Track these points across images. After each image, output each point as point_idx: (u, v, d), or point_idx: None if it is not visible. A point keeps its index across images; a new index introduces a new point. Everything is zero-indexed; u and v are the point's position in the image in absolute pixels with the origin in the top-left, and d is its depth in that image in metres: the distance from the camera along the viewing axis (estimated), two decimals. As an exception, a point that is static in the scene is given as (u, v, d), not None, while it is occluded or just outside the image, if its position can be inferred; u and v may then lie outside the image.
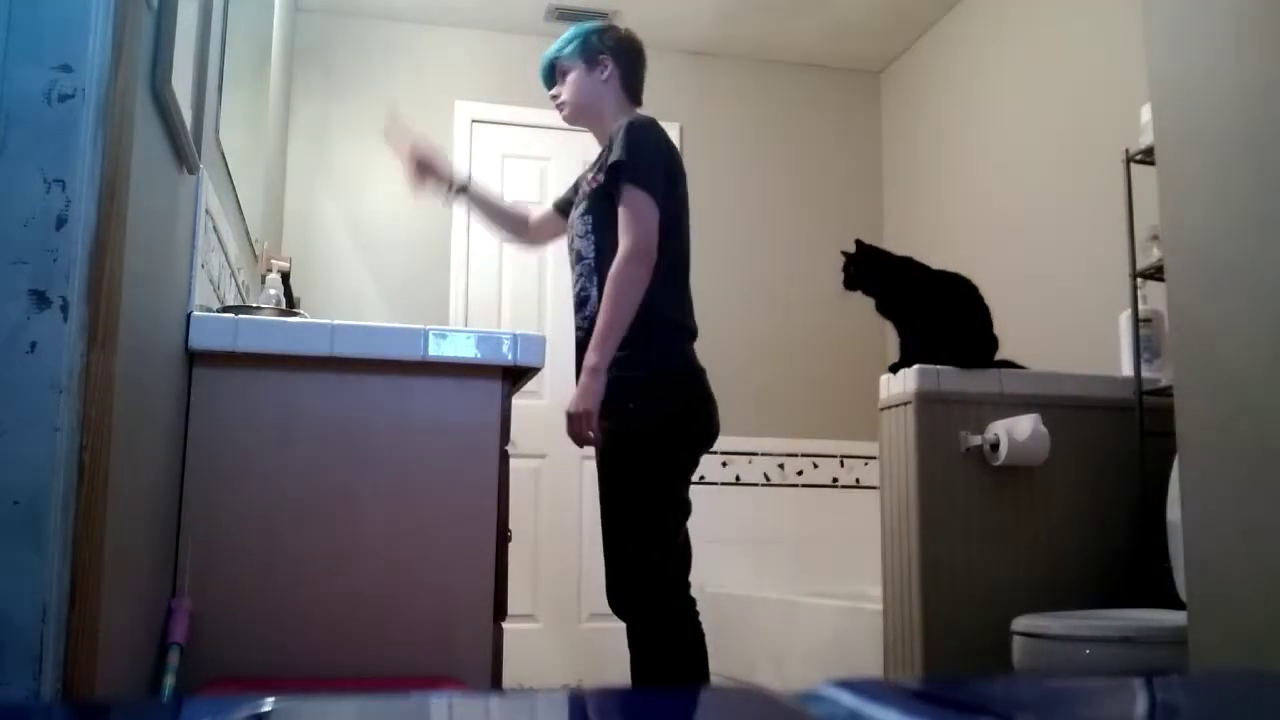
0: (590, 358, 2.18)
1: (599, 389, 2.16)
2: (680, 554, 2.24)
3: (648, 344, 2.23)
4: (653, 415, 2.21)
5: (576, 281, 2.37)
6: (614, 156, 2.27)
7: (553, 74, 2.49)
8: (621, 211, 2.23)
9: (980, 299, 2.93)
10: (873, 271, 2.90)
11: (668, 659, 2.17)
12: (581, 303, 2.34)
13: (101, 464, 1.17)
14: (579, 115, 2.46)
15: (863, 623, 3.06)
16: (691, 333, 2.35)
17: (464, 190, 2.61)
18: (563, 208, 2.58)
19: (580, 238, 2.36)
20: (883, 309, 2.92)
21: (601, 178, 2.31)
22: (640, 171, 2.24)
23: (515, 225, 2.69)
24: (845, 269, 2.90)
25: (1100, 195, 3.35)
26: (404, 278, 4.36)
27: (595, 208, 2.32)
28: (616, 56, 2.45)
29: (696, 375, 2.29)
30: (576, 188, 2.53)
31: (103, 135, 1.14)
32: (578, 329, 2.35)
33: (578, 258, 2.37)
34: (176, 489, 1.78)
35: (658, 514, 2.21)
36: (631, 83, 2.47)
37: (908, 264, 2.95)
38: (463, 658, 1.88)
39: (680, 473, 2.25)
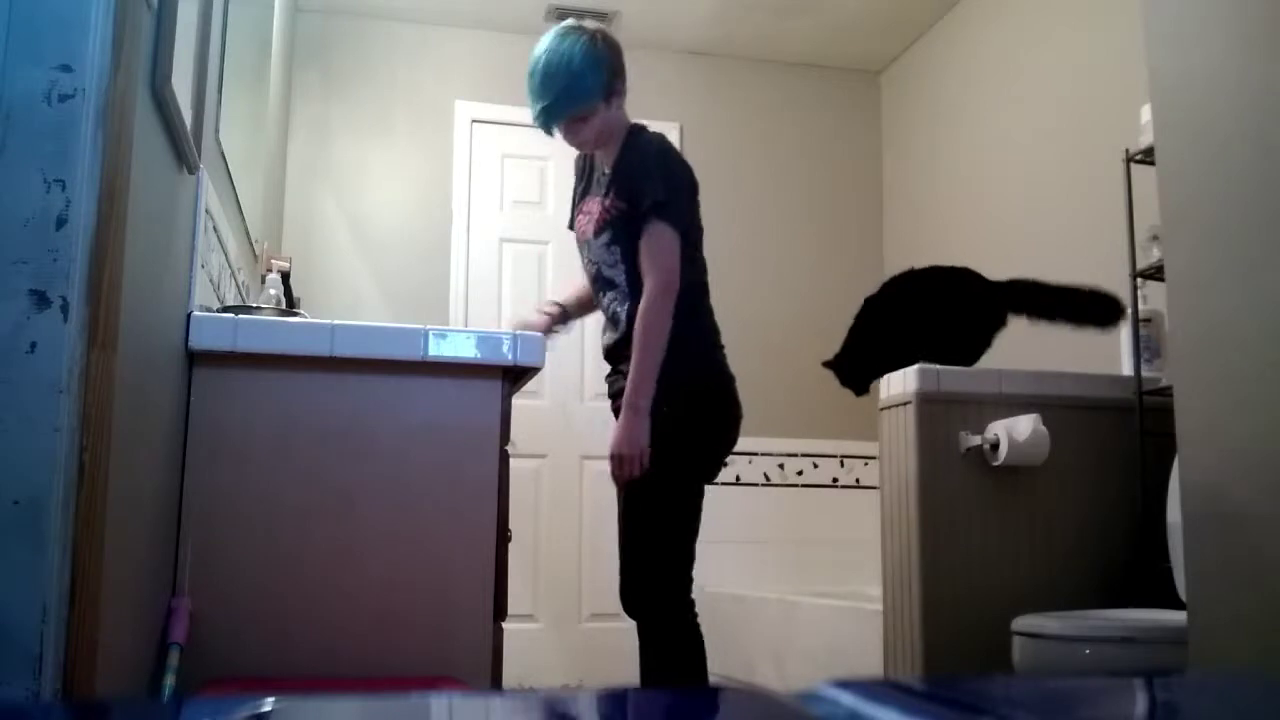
0: (631, 397, 2.19)
1: (645, 428, 2.18)
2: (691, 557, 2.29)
3: (685, 349, 2.27)
4: (687, 420, 2.25)
5: (607, 305, 2.37)
6: (650, 192, 2.22)
7: (552, 123, 2.33)
8: (646, 245, 2.22)
9: (945, 278, 2.95)
10: (862, 356, 2.92)
11: (678, 659, 2.20)
12: (613, 320, 2.36)
13: (101, 464, 1.17)
14: (601, 144, 2.37)
15: (863, 623, 3.06)
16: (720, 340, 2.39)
17: (564, 321, 2.57)
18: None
19: (609, 266, 2.33)
20: (892, 362, 2.93)
21: (623, 205, 2.28)
22: (672, 207, 2.23)
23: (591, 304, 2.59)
24: (849, 386, 2.94)
25: (1100, 195, 3.35)
26: (404, 278, 4.36)
27: (622, 237, 2.29)
28: (624, 76, 2.36)
29: (730, 382, 2.34)
30: (577, 201, 2.49)
31: (103, 135, 1.14)
32: (607, 345, 2.38)
33: (607, 284, 2.35)
34: (176, 489, 1.78)
35: (681, 518, 2.25)
36: (625, 83, 2.41)
37: (870, 309, 2.98)
38: (463, 658, 1.88)
39: (707, 478, 2.30)
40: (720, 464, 2.32)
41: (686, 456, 2.25)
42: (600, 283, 2.38)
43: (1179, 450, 1.92)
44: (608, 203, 2.32)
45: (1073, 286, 2.90)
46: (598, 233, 2.34)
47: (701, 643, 2.25)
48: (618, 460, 2.20)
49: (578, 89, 2.26)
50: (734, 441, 2.34)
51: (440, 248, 4.42)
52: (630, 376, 2.21)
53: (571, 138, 2.35)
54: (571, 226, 2.54)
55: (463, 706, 0.50)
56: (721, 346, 2.37)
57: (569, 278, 2.68)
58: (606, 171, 2.37)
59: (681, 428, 2.24)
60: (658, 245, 2.22)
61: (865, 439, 4.54)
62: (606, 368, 2.44)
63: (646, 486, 2.23)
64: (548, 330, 2.50)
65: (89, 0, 1.14)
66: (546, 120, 2.30)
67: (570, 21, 2.36)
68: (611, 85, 2.31)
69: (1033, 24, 3.85)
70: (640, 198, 2.24)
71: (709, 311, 2.38)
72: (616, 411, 2.32)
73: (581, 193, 2.49)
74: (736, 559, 4.35)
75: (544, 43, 2.32)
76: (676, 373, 2.24)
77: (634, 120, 2.40)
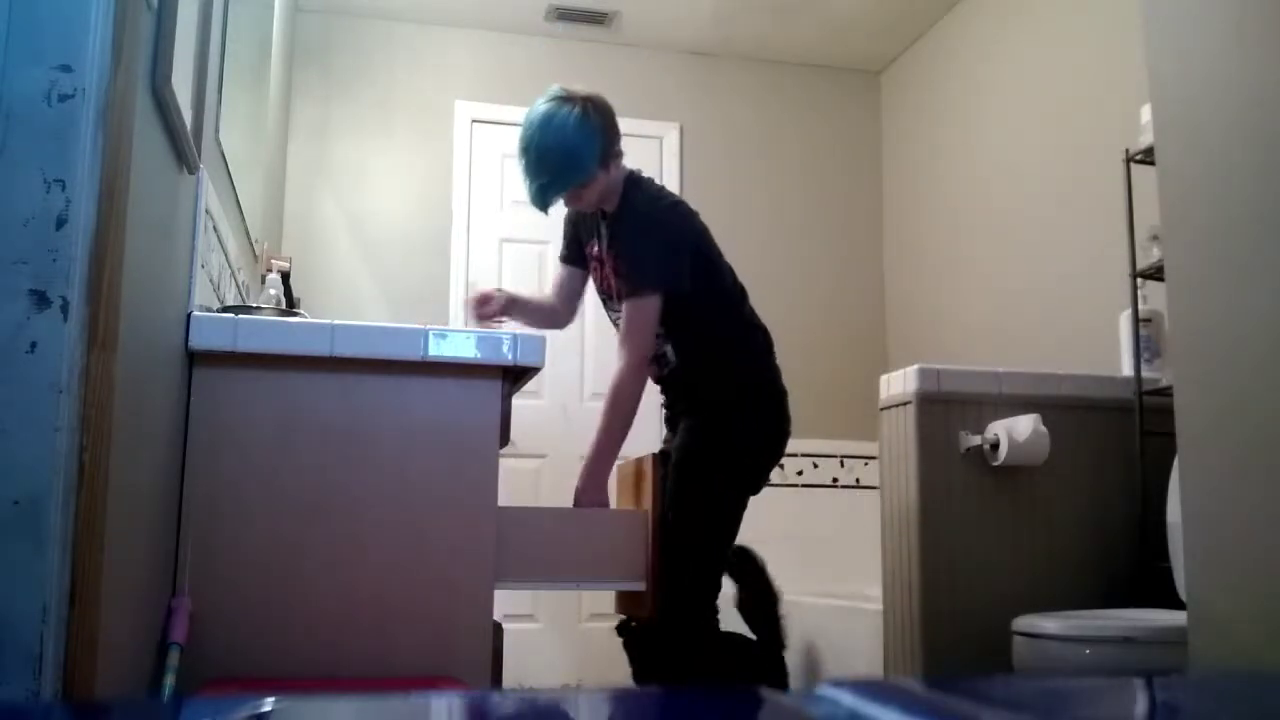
0: (592, 466, 2.26)
1: (604, 490, 2.26)
2: None
3: (743, 358, 2.33)
4: (741, 428, 2.30)
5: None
6: (635, 273, 2.26)
7: (549, 201, 2.29)
8: (625, 320, 2.26)
9: None
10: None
11: (697, 664, 2.24)
12: (659, 360, 2.38)
13: (101, 464, 1.17)
14: (601, 205, 2.35)
15: (863, 623, 3.06)
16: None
17: (508, 312, 2.51)
18: (573, 259, 2.53)
19: None
20: None
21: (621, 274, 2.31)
22: (640, 280, 2.24)
23: (551, 319, 2.58)
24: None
25: (1100, 195, 3.35)
26: (404, 278, 4.36)
27: None
28: (618, 136, 2.31)
29: (784, 396, 2.41)
30: (576, 236, 2.50)
31: (103, 135, 1.14)
32: (656, 375, 2.42)
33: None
34: (176, 489, 1.78)
35: (722, 526, 2.29)
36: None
37: None
38: (463, 658, 1.88)
39: (752, 489, 2.35)
40: (766, 476, 2.37)
41: (714, 462, 2.28)
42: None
43: (1179, 450, 1.92)
44: (622, 272, 2.32)
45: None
46: (621, 299, 2.34)
47: (718, 650, 2.30)
48: (580, 498, 2.27)
49: (575, 166, 2.22)
50: (781, 454, 2.40)
51: (440, 248, 4.42)
52: (594, 444, 2.27)
53: (573, 204, 2.34)
54: (565, 260, 2.54)
55: (463, 706, 0.50)
56: (767, 359, 2.41)
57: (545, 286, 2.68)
58: (605, 219, 2.37)
59: (711, 434, 2.28)
60: (632, 321, 2.25)
61: (865, 439, 4.54)
62: (608, 372, 2.46)
63: (694, 492, 2.25)
64: (499, 312, 2.47)
65: (89, 0, 1.14)
66: (544, 198, 2.24)
67: (558, 90, 2.26)
68: (608, 151, 2.26)
69: (1033, 24, 3.85)
70: (628, 276, 2.27)
71: (756, 323, 2.41)
72: (670, 423, 2.44)
73: (583, 230, 2.47)
74: (736, 559, 4.34)
75: (534, 118, 2.23)
76: (714, 383, 2.30)
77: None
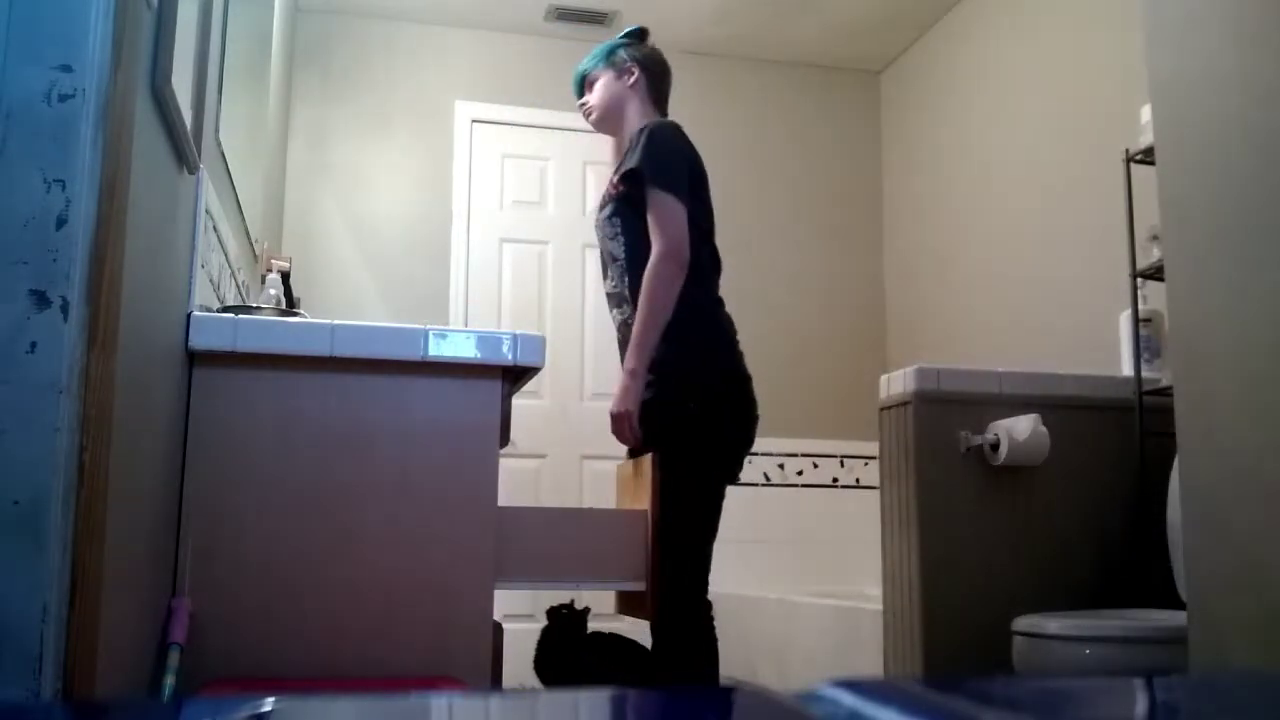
0: (629, 361, 2.23)
1: (638, 390, 2.21)
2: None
3: (704, 348, 2.28)
4: (708, 419, 2.26)
5: (615, 282, 2.40)
6: (633, 161, 2.30)
7: (583, 88, 2.55)
8: (650, 216, 2.26)
9: None
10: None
11: (690, 662, 2.20)
12: (618, 301, 2.38)
13: (101, 464, 1.17)
14: (604, 119, 2.50)
15: (863, 623, 3.06)
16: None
17: None
18: None
19: (610, 239, 2.39)
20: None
21: (621, 183, 2.34)
22: (662, 174, 2.27)
23: None
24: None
25: (1100, 195, 3.35)
26: (404, 278, 4.36)
27: (621, 211, 2.35)
28: (642, 65, 2.51)
29: (747, 382, 2.35)
30: None
31: (103, 135, 1.14)
32: (619, 328, 2.40)
33: (610, 258, 2.41)
34: (176, 489, 1.78)
35: (702, 518, 2.26)
36: (657, 93, 2.54)
37: None
38: (463, 658, 1.88)
39: (728, 478, 2.32)
40: (740, 464, 2.34)
41: (708, 457, 2.26)
42: (605, 259, 2.42)
43: (1179, 451, 1.92)
44: (614, 180, 2.38)
45: None
46: (601, 207, 2.40)
47: (714, 646, 2.25)
48: (613, 420, 2.24)
49: (598, 52, 2.53)
50: (751, 441, 2.36)
51: (440, 248, 4.42)
52: (631, 338, 2.24)
53: (585, 103, 2.52)
54: None
55: (463, 706, 0.50)
56: (737, 343, 2.37)
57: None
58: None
59: (702, 427, 2.25)
60: (660, 212, 2.25)
61: (865, 439, 4.54)
62: (608, 372, 2.45)
63: (691, 489, 2.24)
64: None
65: (89, 0, 1.14)
66: (580, 76, 2.56)
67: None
68: (618, 58, 2.49)
69: (1033, 24, 3.85)
70: (634, 173, 2.29)
71: (724, 309, 2.38)
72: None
73: None
74: (736, 559, 4.34)
75: None
76: (696, 372, 2.26)
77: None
